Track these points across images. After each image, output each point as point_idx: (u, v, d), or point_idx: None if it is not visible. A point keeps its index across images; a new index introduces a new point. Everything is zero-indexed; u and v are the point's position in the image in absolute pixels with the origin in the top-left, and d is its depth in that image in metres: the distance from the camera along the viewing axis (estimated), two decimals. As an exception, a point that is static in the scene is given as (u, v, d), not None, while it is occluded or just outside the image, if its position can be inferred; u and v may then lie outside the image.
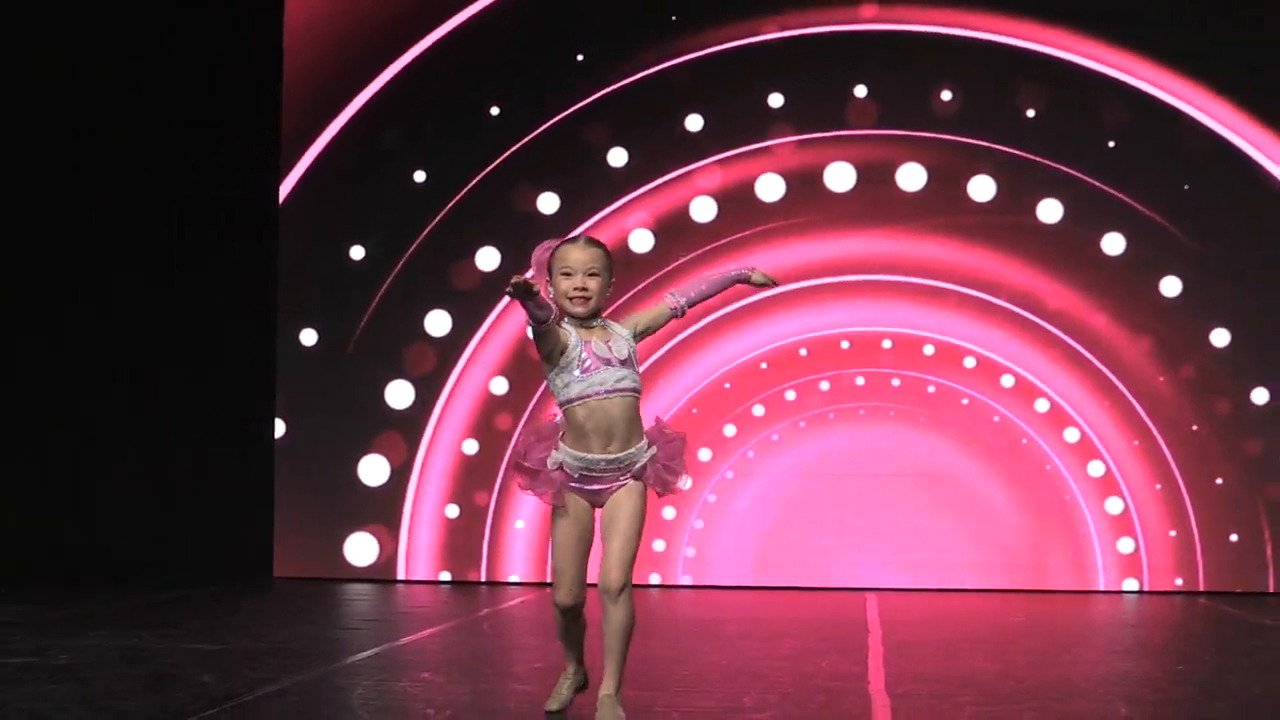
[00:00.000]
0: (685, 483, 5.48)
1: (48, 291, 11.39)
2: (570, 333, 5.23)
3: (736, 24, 10.75)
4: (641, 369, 5.35)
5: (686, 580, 10.48)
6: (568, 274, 5.24)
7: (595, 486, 5.26)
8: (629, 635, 5.23)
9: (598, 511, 5.33)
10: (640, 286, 10.44)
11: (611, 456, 5.21)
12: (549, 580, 10.48)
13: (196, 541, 11.14)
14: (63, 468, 11.35)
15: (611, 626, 5.20)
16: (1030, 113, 10.60)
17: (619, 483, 5.27)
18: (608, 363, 5.20)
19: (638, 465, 5.26)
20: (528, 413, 10.67)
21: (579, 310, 5.23)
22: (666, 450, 5.32)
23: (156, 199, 11.25)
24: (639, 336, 5.35)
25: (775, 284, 5.66)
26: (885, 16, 10.68)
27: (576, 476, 5.24)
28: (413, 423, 10.83)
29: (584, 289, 5.23)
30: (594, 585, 5.20)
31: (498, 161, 10.85)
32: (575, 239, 5.37)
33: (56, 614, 8.41)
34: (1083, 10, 10.56)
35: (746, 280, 5.58)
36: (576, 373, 5.19)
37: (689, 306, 5.47)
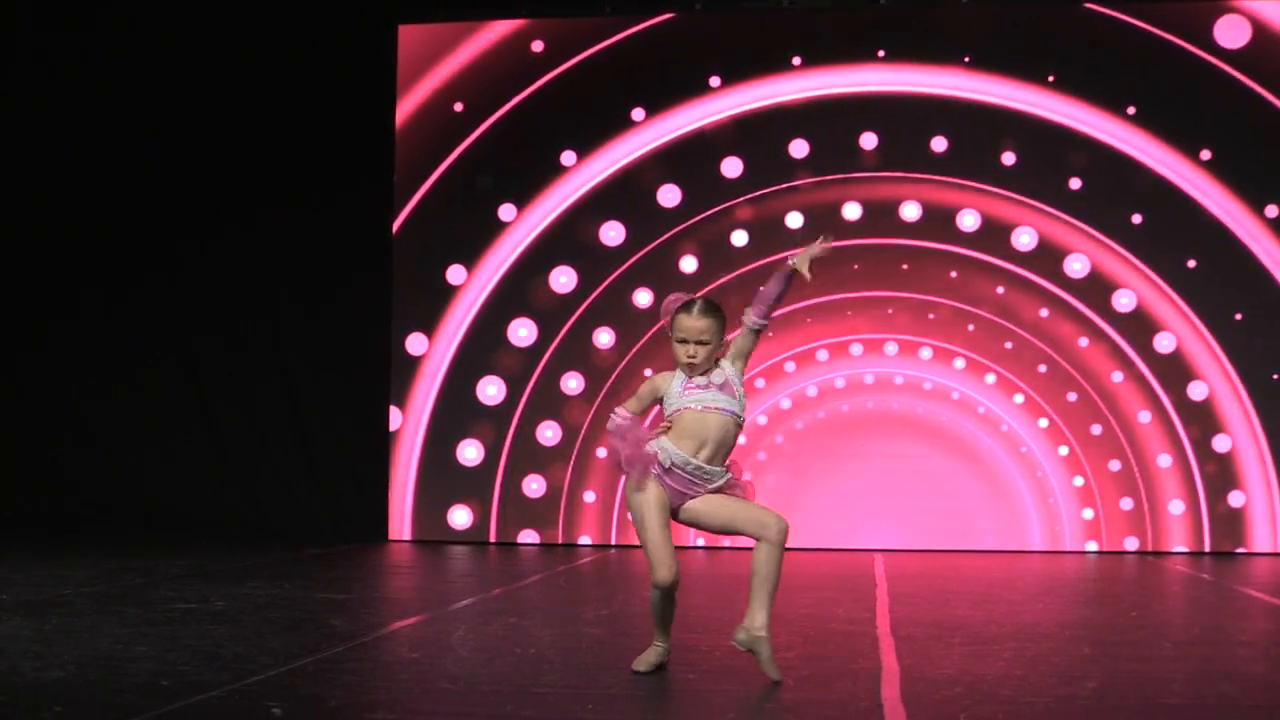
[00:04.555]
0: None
1: (228, 310, 11.50)
2: (671, 380, 4.93)
3: (767, 83, 10.76)
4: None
5: (726, 543, 10.45)
6: (682, 341, 4.89)
7: (676, 485, 4.85)
8: (778, 573, 4.80)
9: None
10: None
11: (699, 463, 4.84)
12: (610, 543, 10.66)
13: (329, 510, 11.21)
14: (233, 450, 11.43)
15: (762, 559, 4.79)
16: (1008, 159, 10.55)
17: (693, 492, 4.88)
18: (704, 388, 4.88)
19: (713, 485, 4.89)
20: (595, 405, 10.70)
21: (689, 373, 4.91)
22: (737, 486, 4.95)
23: (303, 234, 11.32)
24: (741, 359, 4.97)
25: (823, 251, 4.96)
26: (887, 80, 10.65)
27: (667, 466, 4.84)
28: (502, 414, 10.86)
29: (694, 356, 4.87)
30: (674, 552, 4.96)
31: (571, 200, 10.87)
32: (692, 304, 4.93)
33: (218, 567, 8.45)
34: (1054, 75, 10.51)
35: (795, 271, 4.93)
36: (677, 393, 4.89)
37: (767, 316, 4.95)
